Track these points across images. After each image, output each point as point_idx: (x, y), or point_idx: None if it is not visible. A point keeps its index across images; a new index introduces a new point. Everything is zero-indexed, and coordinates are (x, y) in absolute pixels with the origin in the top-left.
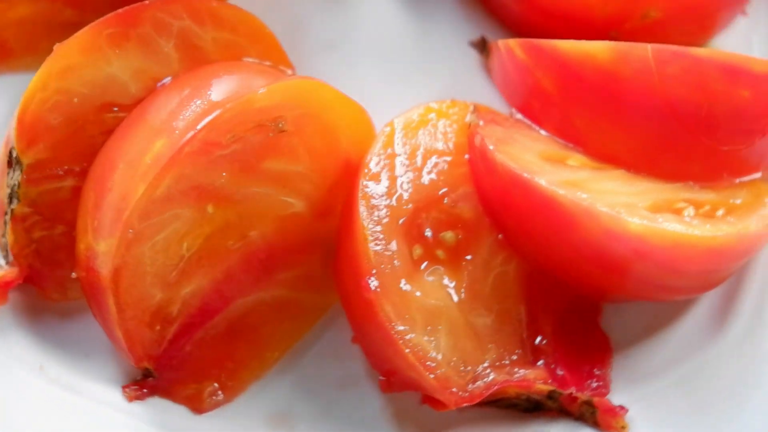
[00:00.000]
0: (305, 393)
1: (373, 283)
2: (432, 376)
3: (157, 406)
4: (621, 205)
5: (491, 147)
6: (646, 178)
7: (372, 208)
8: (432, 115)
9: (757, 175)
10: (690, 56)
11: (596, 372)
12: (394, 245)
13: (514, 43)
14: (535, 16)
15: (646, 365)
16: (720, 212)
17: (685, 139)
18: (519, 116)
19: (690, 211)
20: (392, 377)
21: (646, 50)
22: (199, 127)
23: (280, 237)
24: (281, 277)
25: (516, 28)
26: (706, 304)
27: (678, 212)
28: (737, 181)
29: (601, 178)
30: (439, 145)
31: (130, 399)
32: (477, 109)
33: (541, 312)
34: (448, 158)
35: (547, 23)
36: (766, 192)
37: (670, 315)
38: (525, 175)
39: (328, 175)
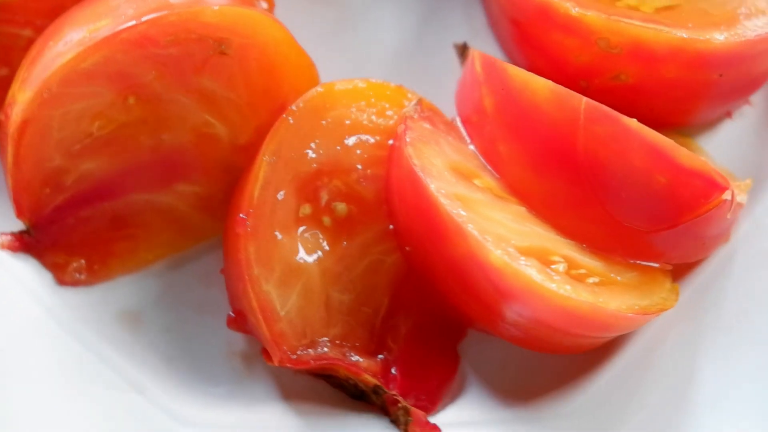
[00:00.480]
0: (163, 304)
1: (247, 221)
2: (268, 328)
3: (28, 265)
4: (493, 235)
5: (408, 139)
6: (542, 224)
7: (276, 152)
8: (372, 93)
9: (654, 264)
10: (620, 123)
11: (429, 387)
12: (282, 194)
13: (477, 55)
14: (522, 42)
15: (487, 399)
16: (592, 280)
17: (591, 202)
18: (459, 125)
19: (562, 267)
20: (239, 317)
21: (580, 102)
22: (143, 19)
23: (191, 151)
24: (180, 189)
25: (506, 48)
26: (562, 365)
27: (548, 263)
28: (632, 261)
29: (497, 207)
30: (370, 123)
31: (1, 246)
32: (420, 103)
33: (403, 312)
34: (374, 138)
35: (531, 51)
36: (659, 282)
37: (529, 362)
38: (419, 173)
39: (260, 113)
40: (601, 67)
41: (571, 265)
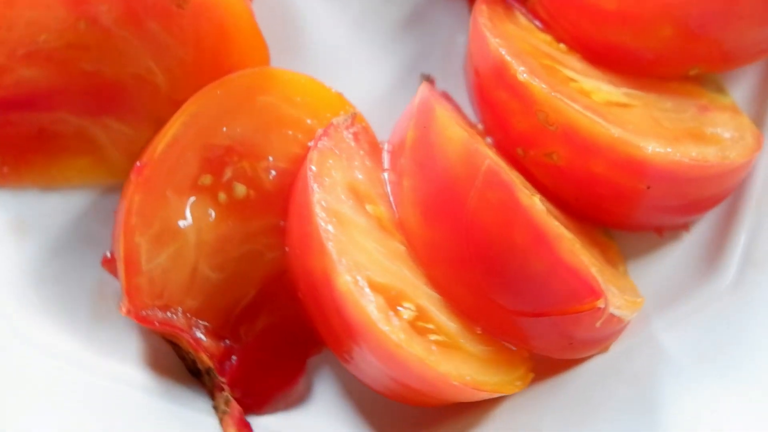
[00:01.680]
0: (55, 225)
1: (144, 171)
2: (126, 277)
3: None
4: (351, 260)
5: (319, 146)
6: (414, 269)
7: (195, 115)
8: (311, 91)
9: (513, 347)
10: (513, 196)
11: (262, 388)
12: (185, 158)
13: (422, 88)
14: (478, 93)
15: (320, 419)
16: (435, 337)
17: (466, 266)
18: (384, 152)
19: (409, 314)
20: (113, 260)
21: (482, 163)
22: None
23: (128, 91)
24: (109, 123)
25: (469, 95)
26: (408, 413)
27: (395, 306)
28: (492, 337)
29: (374, 237)
30: (298, 120)
31: None
32: (353, 117)
33: (265, 310)
34: (297, 135)
35: (483, 104)
36: (511, 366)
37: (373, 400)
38: (310, 179)
39: (202, 75)
40: (536, 139)
41: (422, 316)
